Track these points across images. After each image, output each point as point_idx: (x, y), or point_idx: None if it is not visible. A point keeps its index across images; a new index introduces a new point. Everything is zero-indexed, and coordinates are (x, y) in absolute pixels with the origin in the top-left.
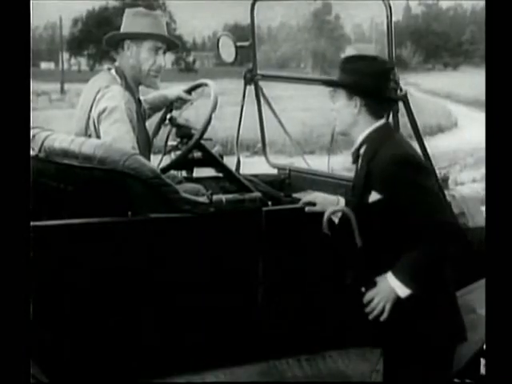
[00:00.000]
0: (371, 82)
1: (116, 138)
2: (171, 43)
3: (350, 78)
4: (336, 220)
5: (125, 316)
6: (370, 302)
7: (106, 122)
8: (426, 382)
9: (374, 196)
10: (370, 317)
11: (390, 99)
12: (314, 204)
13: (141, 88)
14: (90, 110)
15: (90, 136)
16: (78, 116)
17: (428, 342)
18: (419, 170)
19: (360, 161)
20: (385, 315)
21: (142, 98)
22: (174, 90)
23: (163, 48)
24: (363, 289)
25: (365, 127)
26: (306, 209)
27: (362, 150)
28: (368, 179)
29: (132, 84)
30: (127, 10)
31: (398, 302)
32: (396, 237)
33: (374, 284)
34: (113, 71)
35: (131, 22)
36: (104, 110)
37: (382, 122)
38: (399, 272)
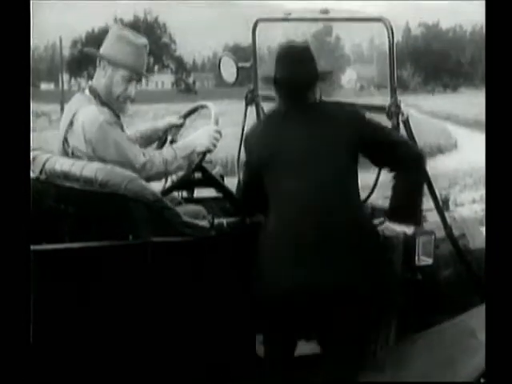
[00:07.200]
0: None
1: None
2: (144, 77)
3: None
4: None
5: (125, 336)
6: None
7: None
8: None
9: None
10: None
11: None
12: None
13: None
14: (66, 132)
15: (70, 154)
16: (58, 139)
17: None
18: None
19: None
20: None
21: (135, 129)
22: (165, 120)
23: (136, 79)
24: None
25: None
26: None
27: None
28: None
29: (106, 101)
30: (113, 29)
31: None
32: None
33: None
34: (86, 91)
35: (113, 44)
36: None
37: None
38: (393, 215)
